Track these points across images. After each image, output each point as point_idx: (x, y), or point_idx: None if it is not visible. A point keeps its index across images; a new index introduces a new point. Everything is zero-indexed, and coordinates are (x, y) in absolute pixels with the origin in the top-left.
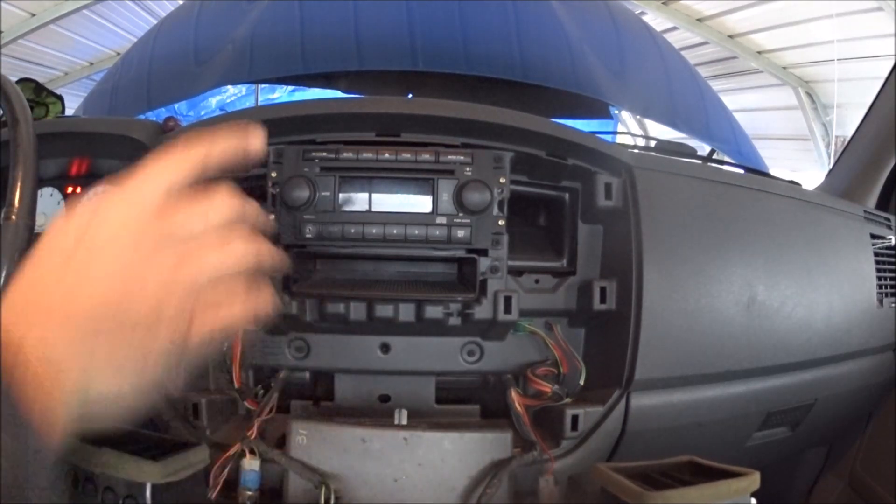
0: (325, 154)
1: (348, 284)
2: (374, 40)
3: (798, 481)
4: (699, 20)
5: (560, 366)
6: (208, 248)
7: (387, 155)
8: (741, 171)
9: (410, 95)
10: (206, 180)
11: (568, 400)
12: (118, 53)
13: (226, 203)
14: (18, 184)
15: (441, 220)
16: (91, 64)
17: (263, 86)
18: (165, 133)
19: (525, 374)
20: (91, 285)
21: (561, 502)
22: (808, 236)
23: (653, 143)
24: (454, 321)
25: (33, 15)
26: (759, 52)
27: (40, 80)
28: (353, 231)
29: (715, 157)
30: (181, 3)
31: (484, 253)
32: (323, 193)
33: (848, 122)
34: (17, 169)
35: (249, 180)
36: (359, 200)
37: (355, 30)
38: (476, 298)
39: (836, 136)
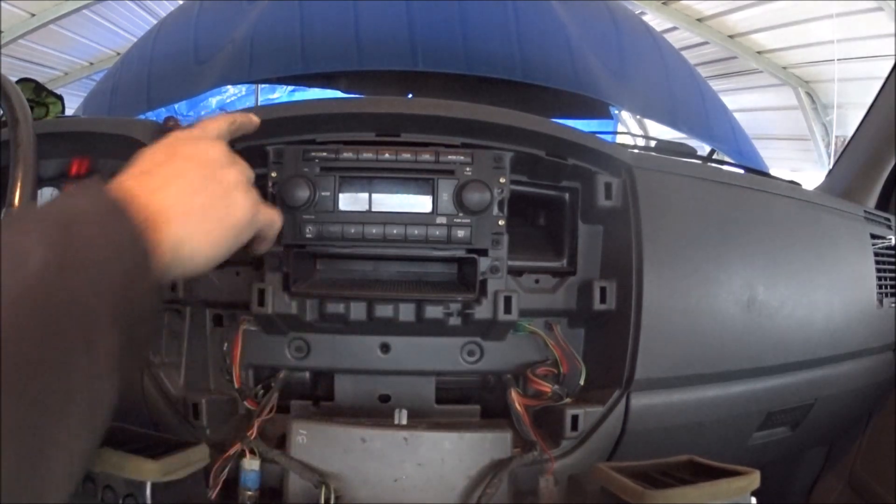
0: (325, 154)
1: (348, 284)
2: (374, 40)
3: (798, 481)
4: (699, 20)
5: (560, 366)
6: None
7: (387, 155)
8: (741, 171)
9: (410, 95)
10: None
11: (568, 400)
12: (118, 53)
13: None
14: (18, 184)
15: (441, 220)
16: (91, 64)
17: (263, 86)
18: (165, 133)
19: (525, 374)
20: (184, 177)
21: (561, 502)
22: (808, 236)
23: (653, 143)
24: (454, 321)
25: (33, 15)
26: (759, 52)
27: (40, 80)
28: (353, 231)
29: (715, 157)
30: (181, 3)
31: (484, 253)
32: (323, 193)
33: (848, 122)
34: (17, 169)
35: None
36: (359, 200)
37: (355, 30)
38: (476, 298)
39: (836, 136)
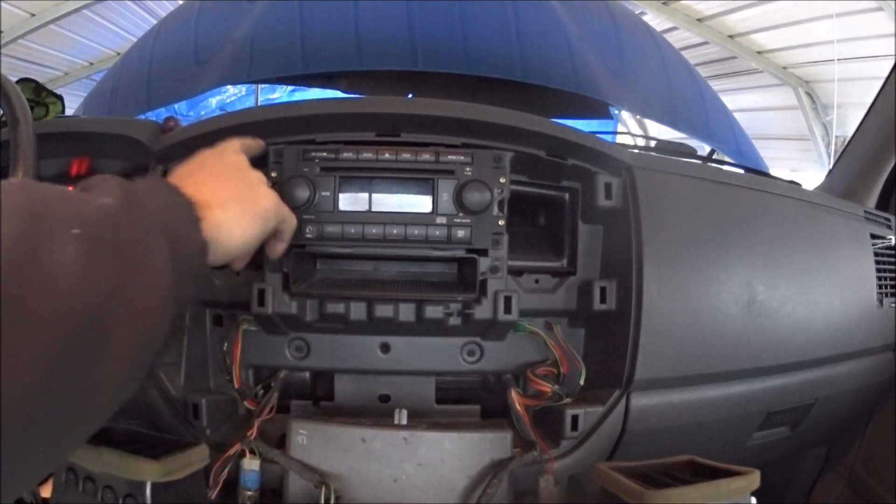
0: (325, 154)
1: (348, 284)
2: (374, 40)
3: (798, 481)
4: (699, 20)
5: (560, 366)
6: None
7: (387, 155)
8: (741, 171)
9: (410, 95)
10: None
11: (568, 400)
12: (118, 53)
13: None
14: None
15: (441, 220)
16: (91, 64)
17: (263, 86)
18: (165, 133)
19: (525, 374)
20: (216, 177)
21: (561, 502)
22: (808, 236)
23: (653, 143)
24: (454, 321)
25: (33, 15)
26: (759, 52)
27: (40, 80)
28: (353, 231)
29: (715, 157)
30: (181, 3)
31: (484, 253)
32: (323, 193)
33: (848, 122)
34: (17, 169)
35: None
36: (359, 200)
37: (355, 30)
38: (476, 298)
39: (836, 136)
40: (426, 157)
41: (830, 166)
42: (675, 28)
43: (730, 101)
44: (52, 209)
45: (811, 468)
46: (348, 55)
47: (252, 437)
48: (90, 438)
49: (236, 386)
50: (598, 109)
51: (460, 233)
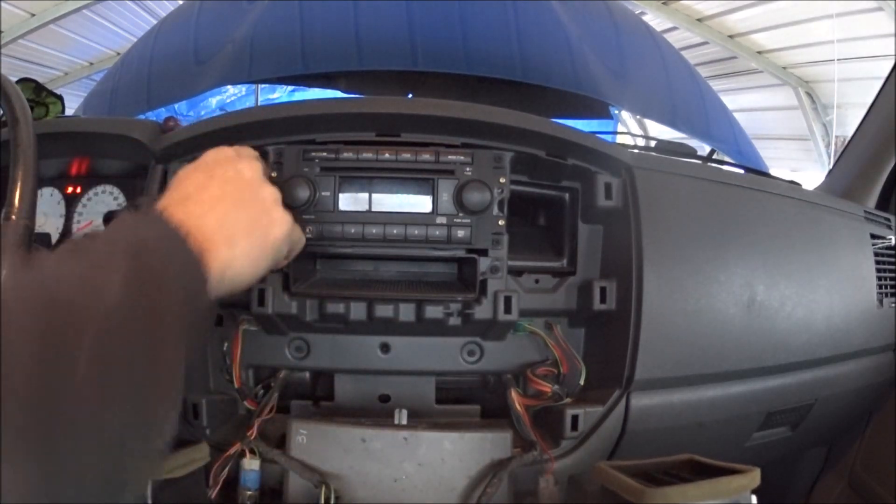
0: (325, 154)
1: (348, 284)
2: (374, 40)
3: (798, 481)
4: (699, 20)
5: (560, 366)
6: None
7: (387, 155)
8: (741, 171)
9: (410, 95)
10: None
11: (568, 400)
12: (118, 53)
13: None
14: (18, 184)
15: (441, 220)
16: (91, 64)
17: (263, 86)
18: (165, 133)
19: (525, 374)
20: (225, 200)
21: (561, 502)
22: (808, 236)
23: (653, 143)
24: (454, 321)
25: (33, 15)
26: (759, 52)
27: (40, 80)
28: (353, 231)
29: (715, 157)
30: (181, 3)
31: (484, 253)
32: (323, 193)
33: (848, 122)
34: (17, 169)
35: None
36: (359, 200)
37: (355, 30)
38: (476, 298)
39: (836, 136)
40: (426, 157)
41: (830, 166)
42: (675, 28)
43: (730, 101)
44: (65, 319)
45: (811, 468)
46: (348, 55)
47: (252, 437)
48: None
49: (236, 386)
50: (598, 109)
51: (460, 233)
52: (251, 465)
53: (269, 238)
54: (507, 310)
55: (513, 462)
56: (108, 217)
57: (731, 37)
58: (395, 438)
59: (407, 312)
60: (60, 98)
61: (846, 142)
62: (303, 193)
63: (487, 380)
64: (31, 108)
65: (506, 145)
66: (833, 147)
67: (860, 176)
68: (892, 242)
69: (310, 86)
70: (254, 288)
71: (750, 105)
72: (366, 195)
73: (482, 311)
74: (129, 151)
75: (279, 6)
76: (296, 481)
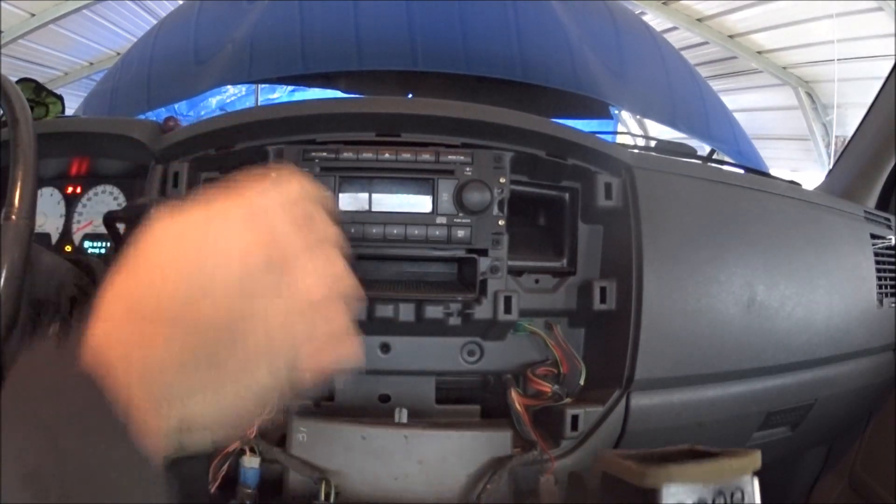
0: (325, 154)
1: None
2: (374, 40)
3: (798, 481)
4: (699, 20)
5: (560, 366)
6: (310, 270)
7: (387, 155)
8: (741, 171)
9: (410, 95)
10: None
11: (568, 400)
12: (118, 53)
13: (328, 227)
14: (18, 184)
15: (441, 220)
16: (91, 64)
17: (263, 86)
18: (165, 133)
19: (525, 374)
20: (200, 307)
21: (561, 502)
22: (808, 236)
23: (653, 143)
24: (454, 321)
25: (33, 15)
26: (759, 52)
27: (40, 80)
28: (353, 231)
29: (715, 157)
30: (181, 3)
31: (484, 253)
32: None
33: (848, 122)
34: (17, 169)
35: None
36: (359, 200)
37: (355, 30)
38: (476, 298)
39: (836, 136)
40: (426, 157)
41: (830, 166)
42: (675, 28)
43: (730, 101)
44: None
45: (811, 468)
46: (348, 55)
47: (252, 436)
48: None
49: None
50: (598, 109)
51: (460, 233)
52: (251, 463)
53: (257, 375)
54: (507, 310)
55: (512, 460)
56: (109, 217)
57: (730, 37)
58: (395, 437)
59: (407, 312)
60: (60, 98)
61: (846, 142)
62: None
63: (487, 380)
64: (31, 108)
65: (506, 145)
66: (833, 147)
67: (860, 176)
68: (892, 242)
69: (310, 86)
70: None
71: (750, 105)
72: (366, 195)
73: (482, 311)
74: (129, 151)
75: (279, 6)
76: (295, 479)
